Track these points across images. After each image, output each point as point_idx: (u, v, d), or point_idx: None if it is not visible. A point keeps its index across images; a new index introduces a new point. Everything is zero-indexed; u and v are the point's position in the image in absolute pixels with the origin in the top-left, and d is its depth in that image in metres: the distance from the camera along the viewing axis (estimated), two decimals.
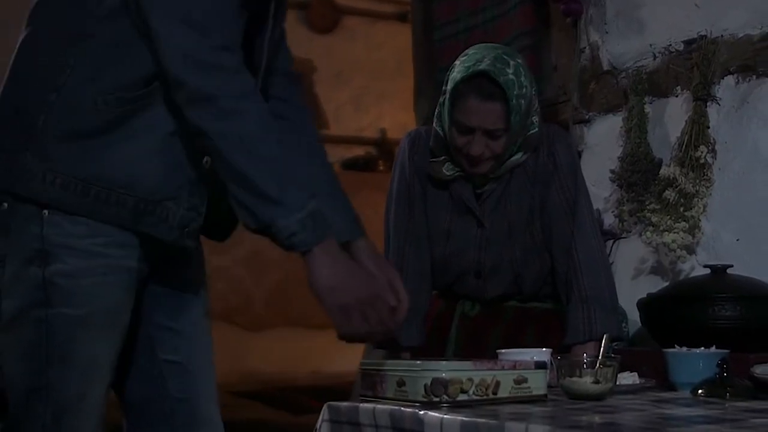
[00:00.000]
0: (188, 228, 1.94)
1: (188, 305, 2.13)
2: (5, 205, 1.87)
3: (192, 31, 1.79)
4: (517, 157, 2.68)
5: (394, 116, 8.38)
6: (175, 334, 2.11)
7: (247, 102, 1.83)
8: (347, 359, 6.76)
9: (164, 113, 1.88)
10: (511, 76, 2.56)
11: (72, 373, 1.89)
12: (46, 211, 1.85)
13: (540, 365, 2.02)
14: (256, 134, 1.83)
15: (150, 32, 1.81)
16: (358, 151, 8.53)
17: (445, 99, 2.64)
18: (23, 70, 1.92)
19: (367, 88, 8.57)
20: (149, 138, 1.88)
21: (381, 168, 8.31)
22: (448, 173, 2.71)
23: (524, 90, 2.58)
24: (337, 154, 8.49)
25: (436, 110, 2.71)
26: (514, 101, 2.55)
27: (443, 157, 2.71)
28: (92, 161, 1.86)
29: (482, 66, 2.56)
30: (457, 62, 2.65)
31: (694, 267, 3.06)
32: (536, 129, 2.67)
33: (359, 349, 5.52)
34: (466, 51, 2.67)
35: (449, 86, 2.62)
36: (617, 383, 2.16)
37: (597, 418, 1.81)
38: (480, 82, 2.56)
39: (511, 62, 2.59)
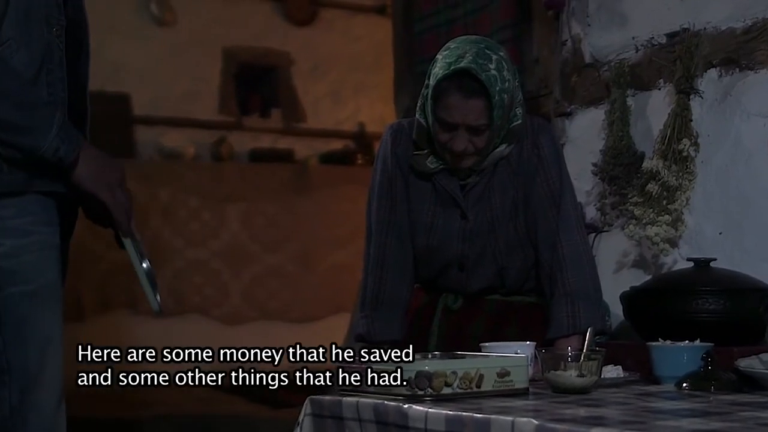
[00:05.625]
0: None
1: None
2: None
3: None
4: (501, 149, 2.66)
5: (373, 109, 8.36)
6: None
7: None
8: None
9: None
10: (493, 72, 2.54)
11: (30, 350, 1.91)
12: None
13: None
14: None
15: None
16: (337, 145, 8.51)
17: (428, 93, 2.62)
18: None
19: (345, 81, 8.54)
20: None
21: (359, 161, 8.29)
22: (432, 166, 2.69)
23: (507, 84, 2.56)
24: (315, 148, 8.48)
25: (419, 102, 2.69)
26: (496, 97, 2.53)
27: (426, 151, 2.69)
28: None
29: (464, 63, 2.53)
30: (439, 56, 2.62)
31: (677, 260, 3.05)
32: (520, 120, 2.65)
33: (338, 343, 5.49)
34: (448, 45, 2.65)
35: (431, 82, 2.60)
36: (601, 377, 2.15)
37: (582, 412, 1.81)
38: (462, 78, 2.54)
39: (493, 56, 2.57)
